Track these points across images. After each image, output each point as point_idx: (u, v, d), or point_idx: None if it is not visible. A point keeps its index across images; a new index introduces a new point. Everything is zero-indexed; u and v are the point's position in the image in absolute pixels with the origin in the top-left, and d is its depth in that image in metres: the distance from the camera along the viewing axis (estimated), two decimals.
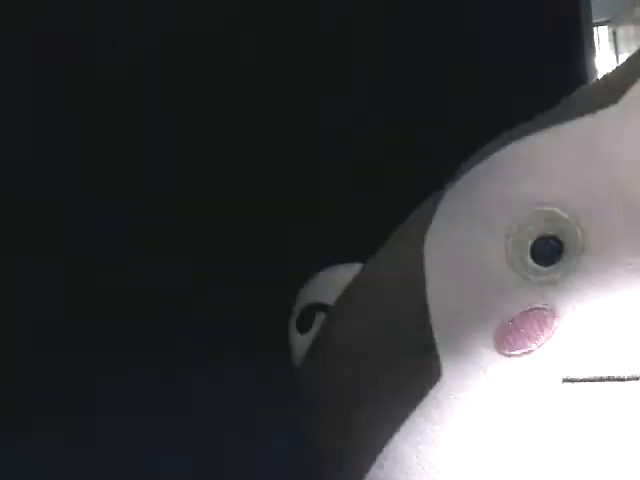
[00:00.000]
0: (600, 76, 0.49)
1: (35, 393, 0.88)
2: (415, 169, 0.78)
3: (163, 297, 0.91)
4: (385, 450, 0.44)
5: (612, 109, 0.43)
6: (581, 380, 0.41)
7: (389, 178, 0.86)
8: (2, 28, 0.86)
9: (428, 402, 0.43)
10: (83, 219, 0.92)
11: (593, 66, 0.95)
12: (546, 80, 0.84)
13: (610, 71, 0.47)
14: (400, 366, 0.45)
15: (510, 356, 0.43)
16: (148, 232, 0.91)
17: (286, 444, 0.71)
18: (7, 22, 0.87)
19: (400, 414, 0.44)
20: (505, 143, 0.46)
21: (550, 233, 0.41)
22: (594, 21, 1.04)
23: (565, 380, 0.41)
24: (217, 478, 0.89)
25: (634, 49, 0.46)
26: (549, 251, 0.41)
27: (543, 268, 0.41)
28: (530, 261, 0.42)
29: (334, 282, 0.54)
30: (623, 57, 0.47)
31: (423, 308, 0.44)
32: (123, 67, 0.89)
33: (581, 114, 0.44)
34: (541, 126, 0.46)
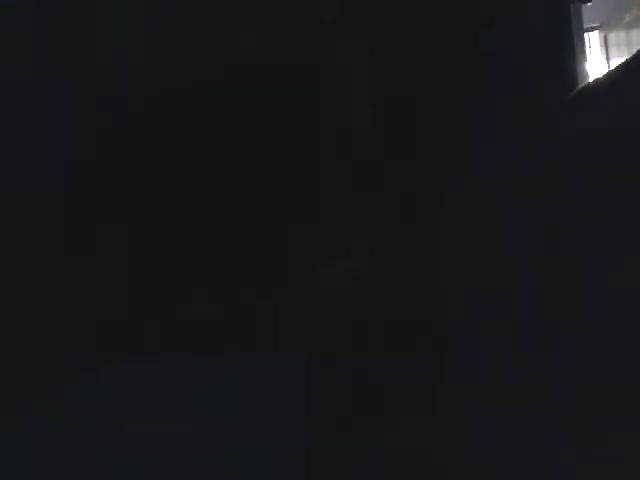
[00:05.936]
0: (591, 80, 0.51)
1: None
2: (415, 169, 0.80)
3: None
4: None
5: (593, 114, 0.45)
6: None
7: (389, 178, 0.88)
8: None
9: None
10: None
11: (585, 70, 0.98)
12: (541, 83, 0.86)
13: (596, 79, 0.49)
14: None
15: None
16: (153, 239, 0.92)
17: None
18: None
19: None
20: (508, 144, 0.48)
21: (554, 224, 0.43)
22: (586, 27, 1.07)
23: None
24: (217, 477, 0.90)
25: (624, 53, 0.48)
26: (554, 240, 0.43)
27: (550, 255, 0.43)
28: (538, 250, 0.43)
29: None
30: (614, 61, 0.49)
31: (439, 289, 0.45)
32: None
33: (566, 117, 0.46)
34: (532, 127, 0.48)
